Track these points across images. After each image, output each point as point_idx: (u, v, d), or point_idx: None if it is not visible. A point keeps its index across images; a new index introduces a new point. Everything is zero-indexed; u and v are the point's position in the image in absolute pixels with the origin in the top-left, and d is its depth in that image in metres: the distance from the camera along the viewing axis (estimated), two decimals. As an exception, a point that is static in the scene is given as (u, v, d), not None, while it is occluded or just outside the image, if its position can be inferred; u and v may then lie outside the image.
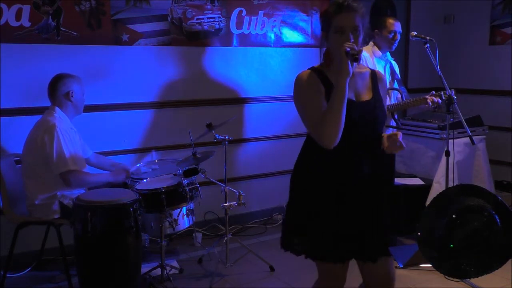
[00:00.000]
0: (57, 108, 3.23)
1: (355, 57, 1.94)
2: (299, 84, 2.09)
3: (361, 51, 2.02)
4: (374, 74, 2.20)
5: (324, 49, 2.15)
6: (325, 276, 2.23)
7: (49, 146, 3.09)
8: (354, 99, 2.07)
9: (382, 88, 2.20)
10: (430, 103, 3.54)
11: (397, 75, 3.96)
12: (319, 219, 2.09)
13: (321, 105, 2.01)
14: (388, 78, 3.90)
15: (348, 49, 1.94)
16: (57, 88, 3.23)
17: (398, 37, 3.78)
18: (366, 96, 2.12)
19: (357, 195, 2.08)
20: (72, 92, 3.24)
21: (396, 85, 3.90)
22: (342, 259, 2.14)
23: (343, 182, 2.07)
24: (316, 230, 2.09)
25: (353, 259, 2.18)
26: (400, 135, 2.02)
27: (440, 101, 3.53)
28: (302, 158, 2.20)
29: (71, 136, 3.21)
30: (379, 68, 3.83)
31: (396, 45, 3.79)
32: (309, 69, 2.14)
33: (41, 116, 3.28)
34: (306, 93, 2.07)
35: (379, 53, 3.81)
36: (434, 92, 3.59)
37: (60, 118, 3.21)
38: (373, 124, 2.09)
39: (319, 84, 2.06)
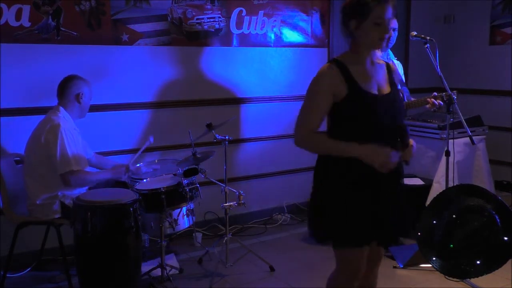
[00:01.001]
0: (61, 108, 3.24)
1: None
2: (316, 78, 2.11)
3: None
4: (388, 66, 2.25)
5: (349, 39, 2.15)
6: (347, 263, 2.22)
7: (53, 145, 3.09)
8: (377, 92, 2.10)
9: (396, 78, 2.25)
10: (431, 107, 3.53)
11: (400, 75, 3.93)
12: (346, 208, 2.11)
13: (322, 109, 2.08)
14: None
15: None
16: (68, 88, 3.24)
17: (393, 33, 3.74)
18: (387, 89, 2.16)
19: (380, 184, 2.11)
20: (82, 94, 3.26)
21: (398, 86, 3.88)
22: (368, 242, 2.17)
23: (367, 173, 2.09)
24: (345, 218, 2.11)
25: None
26: (414, 147, 2.19)
27: (442, 103, 3.53)
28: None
29: (75, 136, 3.22)
30: None
31: (393, 42, 3.75)
32: (331, 62, 2.13)
33: (42, 115, 3.28)
34: (316, 91, 2.10)
35: (379, 52, 3.79)
36: (436, 93, 3.57)
37: (64, 118, 3.21)
38: (395, 116, 2.12)
39: (335, 82, 2.06)
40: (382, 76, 2.17)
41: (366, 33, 2.05)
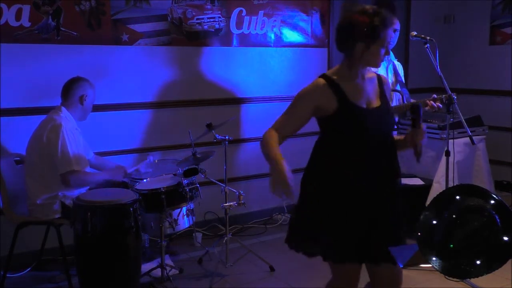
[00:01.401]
0: (63, 108, 3.25)
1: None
2: (308, 88, 2.15)
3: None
4: (380, 79, 2.25)
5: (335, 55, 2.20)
6: (342, 276, 2.23)
7: (54, 145, 3.09)
8: (365, 106, 2.12)
9: (387, 90, 2.25)
10: (430, 109, 3.53)
11: (400, 76, 3.93)
12: (335, 222, 2.11)
13: (301, 121, 2.13)
14: (391, 79, 3.89)
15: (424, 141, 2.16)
16: (73, 89, 3.26)
17: (394, 34, 3.73)
18: (376, 102, 2.16)
19: (369, 197, 2.12)
20: (85, 96, 3.27)
21: (398, 87, 3.88)
22: (361, 260, 2.17)
23: (356, 186, 2.10)
24: (333, 232, 2.11)
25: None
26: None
27: (441, 106, 3.53)
28: (314, 161, 2.21)
29: (76, 136, 3.22)
30: (382, 69, 3.81)
31: (394, 43, 3.74)
32: (323, 77, 2.14)
33: (42, 115, 3.29)
34: (302, 101, 2.13)
35: None
36: (435, 95, 3.57)
37: (66, 118, 3.22)
38: (384, 130, 2.15)
39: (323, 98, 2.08)
40: (372, 90, 2.18)
41: (373, 54, 2.07)
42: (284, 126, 2.14)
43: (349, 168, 2.10)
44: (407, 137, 2.18)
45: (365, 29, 2.02)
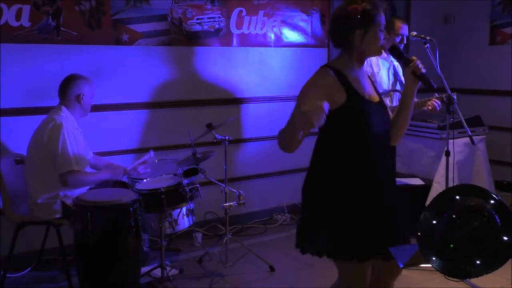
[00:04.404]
0: (63, 108, 3.24)
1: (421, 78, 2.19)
2: (317, 78, 2.06)
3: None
4: (369, 77, 2.26)
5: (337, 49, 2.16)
6: (351, 276, 2.19)
7: (54, 145, 3.09)
8: (368, 98, 2.09)
9: (377, 90, 2.25)
10: (432, 111, 3.54)
11: (400, 76, 3.94)
12: (346, 220, 2.08)
13: None
14: (391, 80, 3.90)
15: (424, 70, 2.20)
16: (69, 88, 3.24)
17: (405, 41, 3.79)
18: (375, 97, 2.15)
19: (378, 193, 2.11)
20: (82, 95, 3.26)
21: (398, 87, 3.89)
22: (371, 256, 2.15)
23: (365, 181, 2.09)
24: (346, 230, 2.08)
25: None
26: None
27: (440, 106, 3.53)
28: (318, 161, 2.15)
29: (76, 136, 3.22)
30: (383, 69, 3.83)
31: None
32: (328, 66, 2.08)
33: (42, 115, 3.28)
34: (314, 91, 2.01)
35: (384, 54, 3.80)
36: (436, 94, 3.57)
37: (67, 118, 3.22)
38: (386, 125, 2.14)
39: (333, 88, 2.01)
40: (368, 85, 2.16)
41: (372, 41, 2.04)
42: None
43: (357, 165, 2.06)
44: (407, 80, 2.20)
45: (359, 16, 2.00)
